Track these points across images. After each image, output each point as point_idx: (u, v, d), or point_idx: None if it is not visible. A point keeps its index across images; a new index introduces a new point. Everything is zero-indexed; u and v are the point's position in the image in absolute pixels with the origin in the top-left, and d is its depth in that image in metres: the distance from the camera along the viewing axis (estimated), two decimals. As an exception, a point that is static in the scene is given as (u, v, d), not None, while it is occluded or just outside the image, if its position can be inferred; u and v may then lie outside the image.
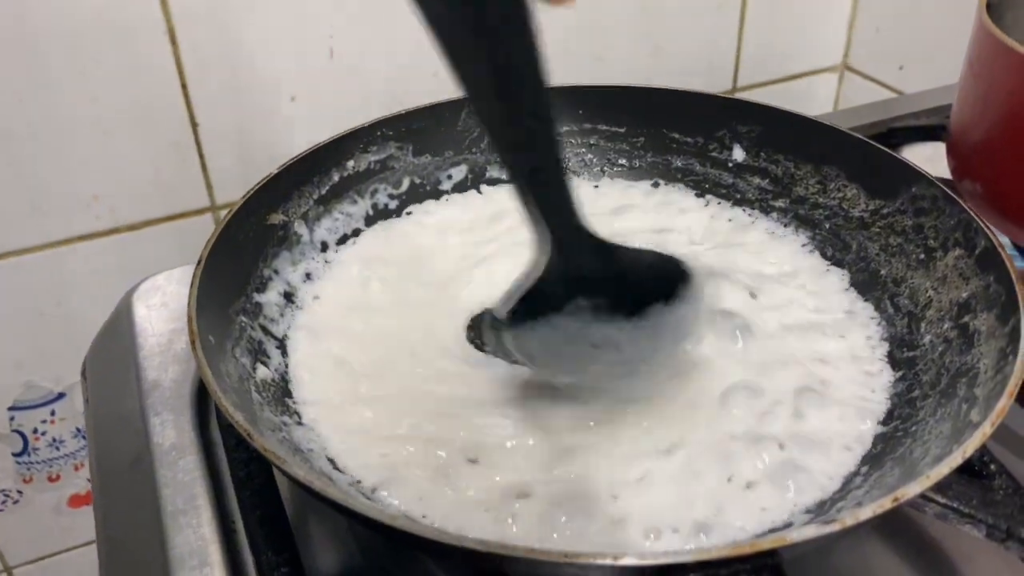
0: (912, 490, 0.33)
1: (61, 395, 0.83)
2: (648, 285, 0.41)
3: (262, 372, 0.44)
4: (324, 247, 0.54)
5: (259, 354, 0.45)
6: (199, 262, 0.44)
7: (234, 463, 0.46)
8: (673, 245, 0.57)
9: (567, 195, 0.37)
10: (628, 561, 0.30)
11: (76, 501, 0.89)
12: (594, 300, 0.40)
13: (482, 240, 0.57)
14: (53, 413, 0.83)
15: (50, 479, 0.87)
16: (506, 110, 0.34)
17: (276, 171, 0.52)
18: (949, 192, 0.49)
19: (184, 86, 0.73)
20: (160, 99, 0.72)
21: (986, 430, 0.35)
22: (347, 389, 0.45)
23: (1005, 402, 0.36)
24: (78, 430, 0.85)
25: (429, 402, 0.45)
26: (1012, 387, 0.37)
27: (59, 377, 0.81)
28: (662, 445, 0.42)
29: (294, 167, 0.52)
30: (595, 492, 0.40)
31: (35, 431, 0.83)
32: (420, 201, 0.59)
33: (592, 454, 0.42)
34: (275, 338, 0.47)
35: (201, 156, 0.77)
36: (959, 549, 0.44)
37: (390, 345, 0.48)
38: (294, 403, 0.44)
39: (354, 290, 0.52)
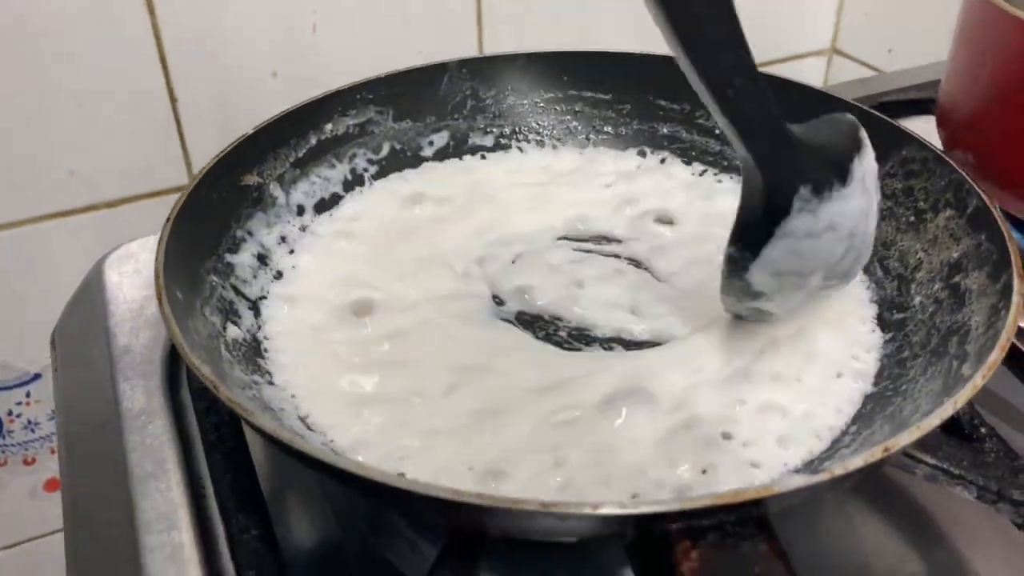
0: (902, 440, 0.32)
1: (36, 376, 0.81)
2: (843, 148, 0.40)
3: (233, 331, 0.43)
4: (301, 211, 0.52)
5: (230, 313, 0.44)
6: (168, 219, 0.43)
7: (205, 426, 0.45)
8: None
9: (766, 109, 0.38)
10: (608, 510, 0.29)
11: (52, 485, 0.87)
12: (812, 183, 0.38)
13: (463, 208, 0.55)
14: (28, 395, 0.82)
15: (25, 462, 0.85)
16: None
17: (251, 131, 0.50)
18: (940, 153, 0.48)
19: (163, 60, 0.72)
20: (138, 73, 0.71)
21: (977, 382, 0.34)
22: (322, 349, 0.44)
23: (997, 355, 0.35)
24: (54, 412, 0.83)
25: (409, 365, 0.44)
26: (1004, 341, 0.36)
27: (34, 357, 0.80)
28: (663, 406, 0.41)
29: (270, 128, 0.51)
30: (580, 461, 0.39)
31: (10, 413, 0.82)
32: (400, 167, 0.57)
33: (580, 421, 0.41)
34: (247, 299, 0.46)
35: (180, 132, 0.75)
36: (948, 514, 0.43)
37: (367, 306, 0.47)
38: (266, 363, 0.43)
39: (329, 253, 0.51)
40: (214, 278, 0.44)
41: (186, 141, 0.75)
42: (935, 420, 0.32)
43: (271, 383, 0.42)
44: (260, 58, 0.74)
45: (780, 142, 0.38)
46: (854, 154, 0.40)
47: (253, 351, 0.43)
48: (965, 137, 0.58)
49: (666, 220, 0.55)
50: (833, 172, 0.39)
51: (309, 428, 0.40)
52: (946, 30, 0.58)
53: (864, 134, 0.40)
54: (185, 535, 0.40)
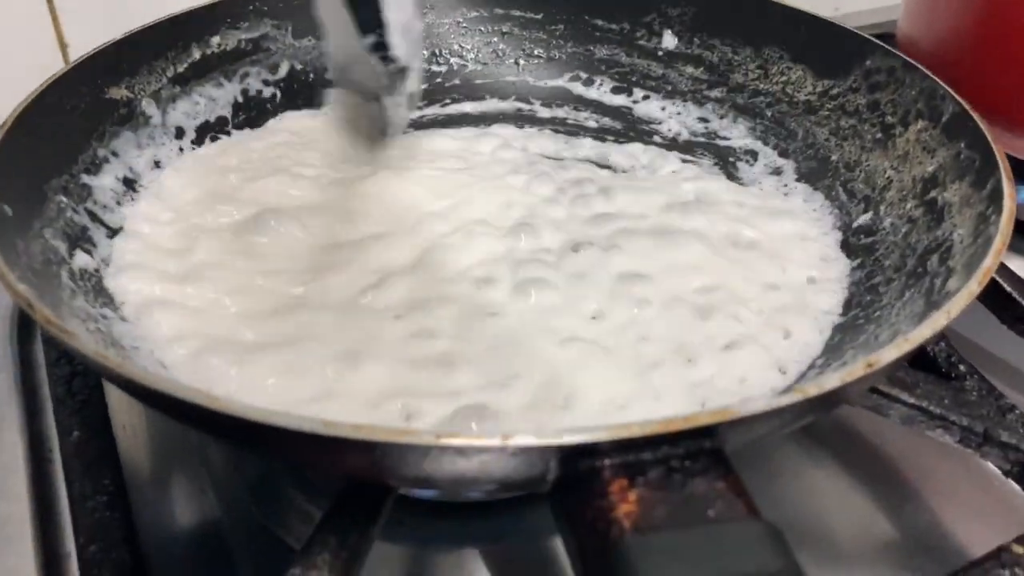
0: (888, 355, 0.26)
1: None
2: None
3: (83, 260, 0.36)
4: (180, 133, 0.45)
5: (80, 240, 0.37)
6: (3, 125, 0.35)
7: (54, 380, 0.37)
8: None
9: None
10: (521, 441, 0.23)
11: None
12: None
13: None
14: None
15: None
16: None
17: (118, 38, 0.43)
18: (909, 60, 0.42)
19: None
20: (24, 16, 0.62)
21: (973, 288, 0.28)
22: (187, 288, 0.37)
23: (992, 261, 0.30)
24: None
25: (280, 303, 0.37)
26: (999, 245, 0.30)
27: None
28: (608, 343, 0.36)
29: (142, 37, 0.44)
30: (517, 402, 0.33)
31: None
32: (302, 90, 0.50)
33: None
34: (107, 227, 0.39)
35: (73, 81, 0.67)
36: (920, 467, 0.38)
37: (241, 246, 0.40)
38: (121, 296, 0.36)
39: (208, 181, 0.43)
40: (63, 199, 0.37)
41: (80, 91, 0.67)
42: (926, 331, 0.27)
43: (123, 319, 0.34)
44: (162, -1, 0.67)
45: None
46: None
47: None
48: (930, 64, 0.53)
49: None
50: None
51: (165, 367, 0.33)
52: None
53: None
54: (16, 505, 0.33)
